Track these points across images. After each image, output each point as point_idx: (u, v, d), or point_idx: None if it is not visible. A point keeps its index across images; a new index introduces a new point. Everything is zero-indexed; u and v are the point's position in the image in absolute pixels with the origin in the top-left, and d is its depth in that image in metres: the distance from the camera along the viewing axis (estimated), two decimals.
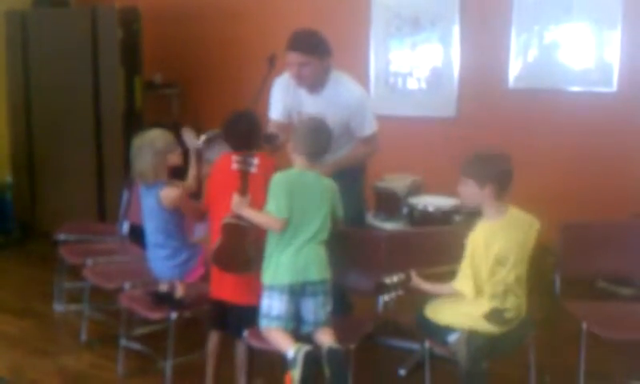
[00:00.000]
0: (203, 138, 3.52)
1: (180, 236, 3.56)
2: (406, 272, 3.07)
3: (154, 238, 3.60)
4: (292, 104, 3.77)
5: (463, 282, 3.00)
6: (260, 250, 3.16)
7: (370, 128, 3.78)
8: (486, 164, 3.03)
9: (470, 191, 3.04)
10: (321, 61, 3.61)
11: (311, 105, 3.70)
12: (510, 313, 3.00)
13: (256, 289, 3.18)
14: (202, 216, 3.51)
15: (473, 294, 2.97)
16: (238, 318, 3.25)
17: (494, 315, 2.97)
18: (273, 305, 3.07)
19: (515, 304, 3.02)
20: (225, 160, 3.29)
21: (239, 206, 3.10)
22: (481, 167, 3.02)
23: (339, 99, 3.68)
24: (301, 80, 3.65)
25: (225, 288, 3.27)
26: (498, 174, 2.99)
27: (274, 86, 3.87)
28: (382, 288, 3.01)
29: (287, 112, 3.83)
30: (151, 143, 3.49)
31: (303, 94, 3.74)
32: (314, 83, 3.68)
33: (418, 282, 3.10)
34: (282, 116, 3.84)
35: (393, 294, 3.02)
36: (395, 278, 3.03)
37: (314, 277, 3.08)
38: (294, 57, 3.57)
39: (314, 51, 3.58)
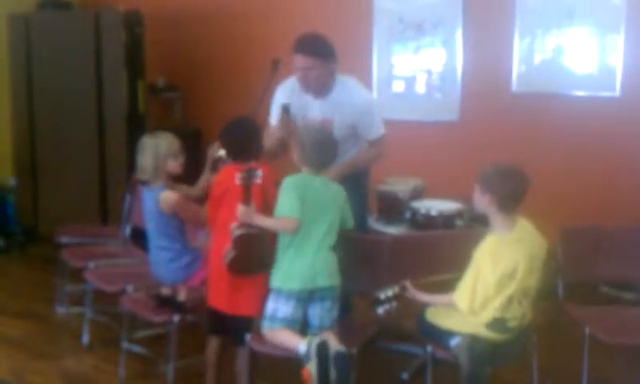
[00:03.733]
0: (223, 152, 3.51)
1: (182, 239, 3.57)
2: (400, 284, 3.06)
3: (157, 241, 3.60)
4: (297, 109, 3.74)
5: (462, 295, 2.98)
6: (273, 250, 3.15)
7: (377, 131, 3.76)
8: (493, 174, 3.00)
9: (476, 196, 3.05)
10: (327, 64, 3.59)
11: (317, 109, 3.69)
12: (513, 322, 2.98)
13: (251, 299, 3.19)
14: (201, 223, 3.51)
15: (468, 310, 2.95)
16: (234, 328, 3.24)
17: (495, 324, 2.95)
18: (279, 308, 3.08)
19: (519, 313, 2.99)
20: (227, 173, 3.27)
21: (247, 215, 3.09)
22: (487, 175, 3.01)
23: (346, 102, 3.66)
24: (307, 84, 3.62)
25: (220, 298, 3.26)
26: (501, 190, 2.95)
27: (278, 91, 3.83)
28: (376, 302, 3.01)
29: (291, 117, 3.80)
30: (156, 144, 3.54)
31: (309, 98, 3.71)
32: (321, 87, 3.65)
33: (414, 292, 3.09)
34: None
35: (387, 307, 3.02)
36: (390, 292, 3.02)
37: (323, 283, 3.09)
38: (300, 60, 3.56)
39: (320, 54, 3.57)
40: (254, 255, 3.15)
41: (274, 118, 3.80)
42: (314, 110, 3.71)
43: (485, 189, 2.98)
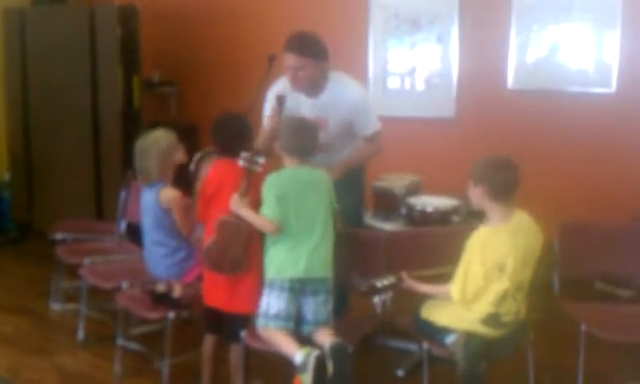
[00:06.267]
0: (198, 155, 3.51)
1: (178, 235, 3.56)
2: (397, 274, 3.07)
3: (152, 236, 3.59)
4: (290, 109, 3.68)
5: (455, 285, 3.00)
6: (250, 252, 3.16)
7: (372, 127, 3.75)
8: (484, 166, 3.02)
9: (470, 191, 3.06)
10: (317, 64, 3.55)
11: (310, 108, 3.65)
12: (508, 317, 2.99)
13: (248, 296, 3.19)
14: (186, 228, 3.51)
15: (460, 299, 2.97)
16: (232, 324, 3.25)
17: (490, 320, 2.96)
18: (271, 303, 3.07)
19: (513, 308, 3.00)
20: (220, 166, 3.28)
21: (238, 204, 3.10)
22: (478, 168, 3.03)
23: (339, 100, 3.63)
24: (298, 83, 3.58)
25: (217, 296, 3.27)
26: (492, 179, 2.97)
27: (269, 92, 3.78)
28: (373, 290, 3.02)
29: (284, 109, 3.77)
30: (156, 143, 3.52)
31: (302, 98, 3.67)
32: (311, 87, 3.61)
33: (411, 283, 3.10)
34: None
35: (383, 296, 3.03)
36: (386, 281, 3.04)
37: (316, 274, 3.08)
38: (290, 59, 3.52)
39: (310, 53, 3.52)
40: (229, 249, 3.13)
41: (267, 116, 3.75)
42: (306, 109, 3.66)
43: (477, 181, 3.00)
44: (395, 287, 3.05)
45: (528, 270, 3.02)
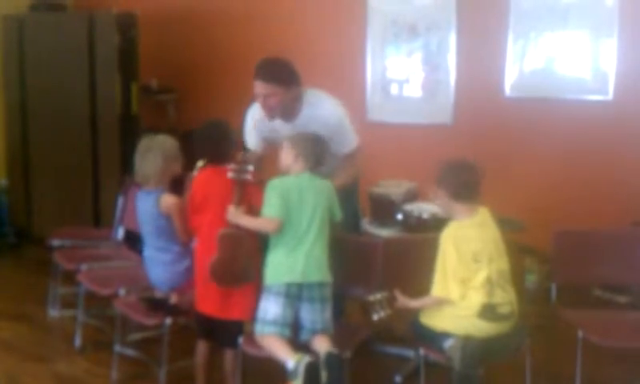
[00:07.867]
0: (200, 164, 3.50)
1: (179, 242, 3.55)
2: (390, 293, 3.10)
3: (155, 243, 3.58)
4: (268, 132, 3.64)
5: (437, 284, 3.07)
6: (253, 260, 3.18)
7: (350, 144, 3.66)
8: (444, 171, 3.18)
9: (435, 197, 3.23)
10: (287, 90, 3.46)
11: (288, 132, 3.52)
12: (503, 308, 3.03)
13: (243, 303, 3.21)
14: (187, 234, 3.50)
15: (444, 294, 3.03)
16: (225, 331, 3.26)
17: (486, 311, 3.00)
18: (268, 308, 3.07)
19: (506, 299, 3.06)
20: (206, 174, 3.31)
21: (235, 215, 3.11)
22: (440, 174, 3.19)
23: (315, 121, 3.52)
24: (269, 110, 3.51)
25: (210, 303, 3.27)
26: (451, 181, 3.13)
27: (248, 115, 3.74)
28: (367, 306, 3.04)
29: (264, 141, 3.72)
30: (162, 147, 3.50)
31: (278, 121, 3.59)
32: (284, 113, 3.53)
33: (403, 301, 3.13)
34: (258, 146, 3.73)
35: (382, 314, 3.05)
36: (379, 295, 3.06)
37: (312, 278, 3.08)
38: (258, 86, 3.45)
39: (278, 81, 3.44)
40: (235, 261, 3.15)
41: (250, 143, 3.73)
42: (283, 132, 3.55)
43: (439, 185, 3.16)
44: (390, 303, 3.07)
45: (504, 259, 3.11)
